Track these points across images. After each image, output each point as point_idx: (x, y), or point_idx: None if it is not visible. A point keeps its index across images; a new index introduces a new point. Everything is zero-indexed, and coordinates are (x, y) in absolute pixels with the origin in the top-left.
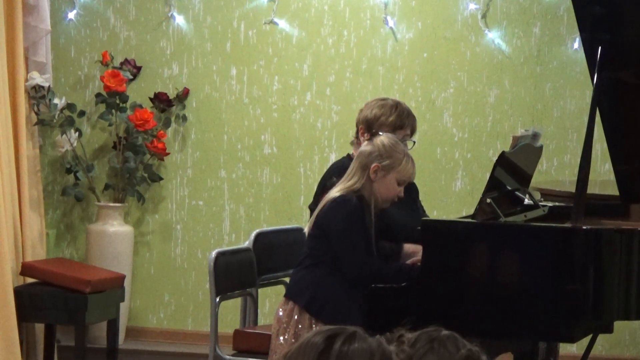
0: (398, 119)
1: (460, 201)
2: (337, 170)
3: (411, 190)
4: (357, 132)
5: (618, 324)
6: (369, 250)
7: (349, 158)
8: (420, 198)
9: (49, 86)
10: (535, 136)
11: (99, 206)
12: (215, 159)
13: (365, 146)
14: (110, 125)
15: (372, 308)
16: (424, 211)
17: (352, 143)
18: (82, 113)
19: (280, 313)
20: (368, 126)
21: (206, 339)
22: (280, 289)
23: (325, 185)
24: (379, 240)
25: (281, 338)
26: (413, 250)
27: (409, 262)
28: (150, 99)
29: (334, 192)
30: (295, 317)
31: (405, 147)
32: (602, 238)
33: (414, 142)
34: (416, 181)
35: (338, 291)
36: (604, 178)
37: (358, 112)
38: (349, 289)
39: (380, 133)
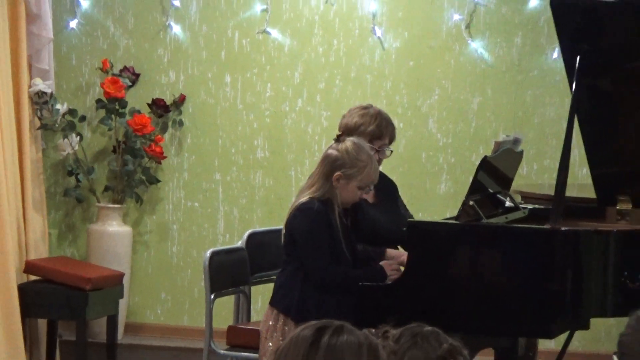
0: (377, 129)
1: (444, 203)
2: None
3: (390, 189)
4: (337, 137)
5: (594, 321)
6: (337, 253)
7: None
8: (406, 201)
9: (52, 92)
10: (516, 142)
11: (99, 207)
12: (210, 163)
13: (330, 150)
14: (110, 129)
15: (360, 305)
16: (406, 208)
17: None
18: (83, 118)
19: (267, 319)
20: (349, 133)
21: (201, 334)
22: (272, 287)
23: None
24: (359, 243)
25: (270, 343)
26: (394, 255)
27: (386, 263)
28: (148, 105)
29: (301, 199)
30: (281, 321)
31: (370, 152)
32: (579, 239)
33: (392, 151)
34: (402, 184)
35: (317, 294)
36: (581, 182)
37: (341, 117)
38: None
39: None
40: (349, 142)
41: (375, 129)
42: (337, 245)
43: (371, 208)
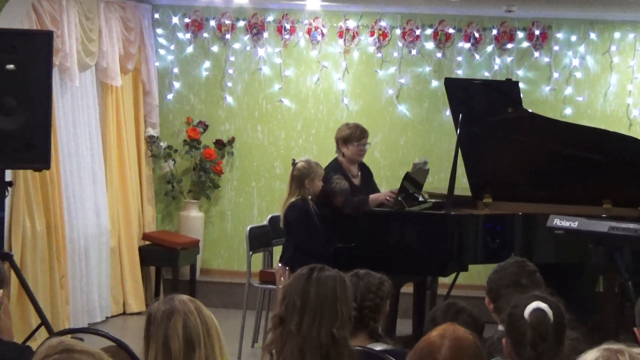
0: (361, 134)
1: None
2: (331, 168)
3: (367, 174)
4: (337, 146)
5: (471, 266)
6: (315, 226)
7: (335, 161)
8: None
9: (158, 136)
10: (425, 163)
11: (185, 202)
12: (249, 176)
13: (295, 172)
14: (191, 157)
15: (334, 262)
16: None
17: (336, 152)
18: (175, 151)
19: (278, 269)
20: (344, 141)
21: (244, 275)
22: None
23: (326, 180)
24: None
25: (282, 279)
26: (375, 197)
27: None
28: (214, 143)
29: (289, 201)
30: (287, 272)
31: (315, 162)
32: (462, 219)
33: (370, 144)
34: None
35: (299, 254)
36: (463, 186)
37: (336, 133)
38: (310, 254)
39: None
40: (300, 163)
41: (360, 133)
42: (314, 223)
43: (356, 187)
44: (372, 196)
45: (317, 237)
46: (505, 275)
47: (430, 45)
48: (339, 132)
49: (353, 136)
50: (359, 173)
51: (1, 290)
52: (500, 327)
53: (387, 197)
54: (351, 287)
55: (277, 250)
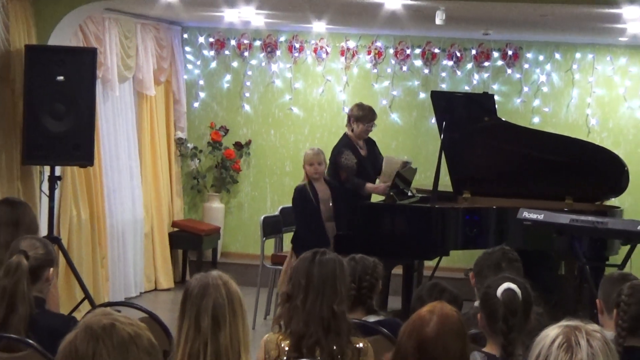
0: (372, 116)
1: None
2: (342, 143)
3: (372, 145)
4: (348, 121)
5: (452, 251)
6: (313, 209)
7: (345, 136)
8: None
9: (185, 138)
10: (408, 162)
11: (208, 194)
12: (263, 173)
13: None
14: (214, 157)
15: (334, 247)
16: (381, 154)
17: (346, 126)
18: (200, 151)
19: (289, 253)
20: (356, 119)
21: (258, 257)
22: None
23: (337, 152)
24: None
25: (291, 259)
26: (371, 187)
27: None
28: (233, 145)
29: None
30: (294, 256)
31: (317, 149)
32: (445, 211)
33: (376, 125)
34: None
35: (311, 239)
36: (446, 183)
37: (349, 110)
38: (314, 237)
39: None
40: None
41: (371, 115)
42: (311, 206)
43: (364, 158)
44: (369, 185)
45: (307, 220)
46: (491, 257)
47: (418, 62)
48: (353, 111)
49: (365, 118)
50: (365, 145)
51: (51, 269)
52: (476, 304)
53: (384, 191)
54: (349, 268)
55: (287, 237)
